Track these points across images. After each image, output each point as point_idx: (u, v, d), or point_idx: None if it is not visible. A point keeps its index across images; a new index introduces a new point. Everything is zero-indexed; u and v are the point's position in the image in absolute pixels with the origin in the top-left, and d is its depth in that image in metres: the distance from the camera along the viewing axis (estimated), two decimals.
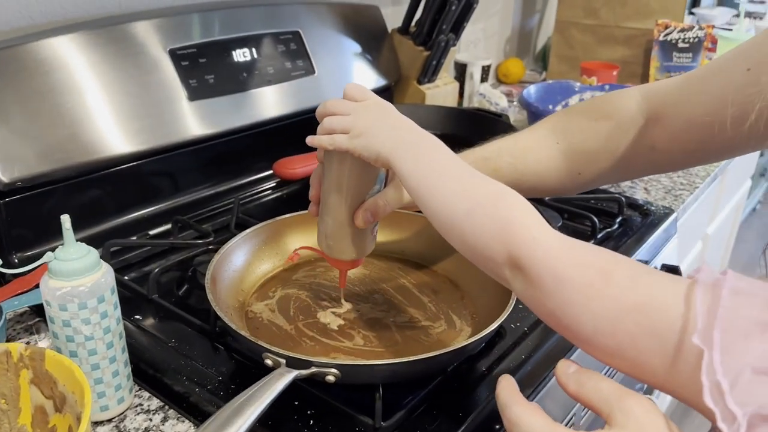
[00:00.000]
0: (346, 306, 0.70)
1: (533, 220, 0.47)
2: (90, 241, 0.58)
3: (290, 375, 0.52)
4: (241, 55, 0.99)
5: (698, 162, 0.82)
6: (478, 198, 0.50)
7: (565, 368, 0.41)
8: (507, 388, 0.41)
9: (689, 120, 0.68)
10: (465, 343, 0.57)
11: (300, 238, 0.77)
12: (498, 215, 0.48)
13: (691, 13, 2.45)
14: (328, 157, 0.61)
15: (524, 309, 0.47)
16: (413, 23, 1.29)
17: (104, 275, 0.55)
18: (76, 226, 0.85)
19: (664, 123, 0.73)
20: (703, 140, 0.66)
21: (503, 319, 0.60)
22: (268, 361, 0.55)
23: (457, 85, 1.40)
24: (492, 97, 1.43)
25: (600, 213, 0.97)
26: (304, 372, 0.53)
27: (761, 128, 0.53)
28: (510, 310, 0.61)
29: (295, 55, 1.07)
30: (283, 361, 0.54)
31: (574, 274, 0.42)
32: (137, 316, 0.71)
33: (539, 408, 0.40)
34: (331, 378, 0.54)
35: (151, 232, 0.90)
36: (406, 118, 0.59)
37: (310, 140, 0.60)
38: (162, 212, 0.93)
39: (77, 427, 0.46)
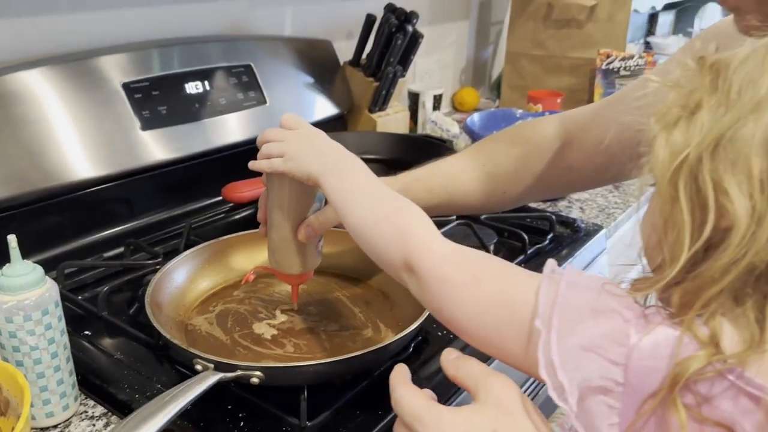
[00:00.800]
0: (281, 318, 0.75)
1: (426, 230, 0.53)
2: (47, 263, 0.63)
3: (214, 377, 0.57)
4: (193, 87, 1.05)
5: (615, 180, 0.88)
6: (384, 211, 0.57)
7: (447, 355, 0.47)
8: (398, 374, 0.47)
9: (597, 142, 0.76)
10: (382, 344, 0.63)
11: (240, 258, 0.82)
12: (398, 225, 0.54)
13: (647, 42, 2.57)
14: (269, 180, 0.68)
15: None
16: (364, 56, 1.36)
17: (48, 290, 0.60)
18: (35, 249, 0.89)
19: (578, 145, 0.81)
20: (612, 161, 0.73)
21: (420, 321, 0.66)
22: (198, 366, 0.60)
23: (407, 113, 1.47)
24: (443, 125, 1.50)
25: (533, 231, 1.03)
26: (229, 375, 0.58)
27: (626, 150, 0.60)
28: (426, 315, 0.66)
29: (247, 87, 1.14)
30: (212, 365, 0.59)
31: (453, 276, 0.49)
32: (87, 332, 0.76)
33: (423, 391, 0.45)
34: (255, 380, 0.59)
35: (106, 255, 0.94)
36: (334, 143, 0.66)
37: (251, 165, 0.67)
38: (117, 236, 0.98)
39: None
